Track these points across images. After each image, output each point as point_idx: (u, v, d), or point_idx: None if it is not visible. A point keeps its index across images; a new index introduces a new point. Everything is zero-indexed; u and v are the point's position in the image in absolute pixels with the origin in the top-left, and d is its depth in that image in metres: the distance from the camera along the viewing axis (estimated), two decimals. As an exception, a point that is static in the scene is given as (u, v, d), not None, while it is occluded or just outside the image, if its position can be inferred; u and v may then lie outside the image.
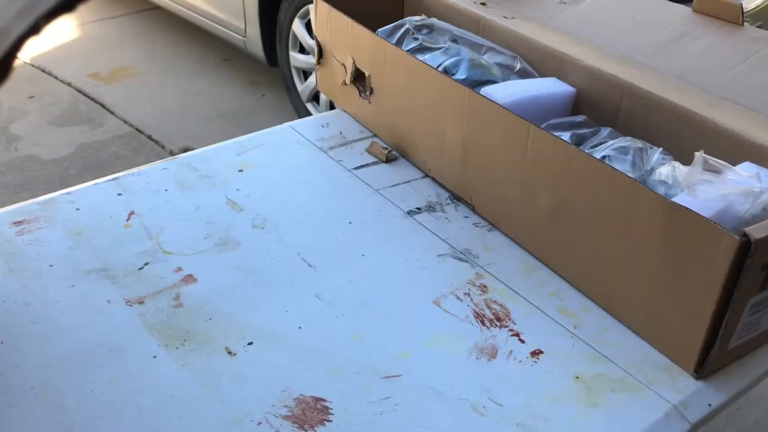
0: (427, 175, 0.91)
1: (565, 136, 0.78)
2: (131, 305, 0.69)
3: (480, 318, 0.69)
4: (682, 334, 0.63)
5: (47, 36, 3.14)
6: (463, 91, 0.80)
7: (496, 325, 0.69)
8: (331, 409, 0.59)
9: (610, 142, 0.77)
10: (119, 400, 0.59)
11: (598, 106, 0.87)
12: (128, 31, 3.31)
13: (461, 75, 0.90)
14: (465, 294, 0.72)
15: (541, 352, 0.66)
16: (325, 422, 0.58)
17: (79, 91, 2.78)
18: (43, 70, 2.92)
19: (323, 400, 0.60)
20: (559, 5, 1.04)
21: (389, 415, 0.59)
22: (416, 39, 0.96)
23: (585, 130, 0.81)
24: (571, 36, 0.96)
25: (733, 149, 0.73)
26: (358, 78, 0.98)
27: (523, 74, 0.93)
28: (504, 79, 0.90)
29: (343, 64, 0.99)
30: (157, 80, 2.83)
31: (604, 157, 0.75)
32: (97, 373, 0.62)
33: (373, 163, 0.93)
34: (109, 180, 0.87)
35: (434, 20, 1.00)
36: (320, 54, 1.05)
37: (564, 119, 0.84)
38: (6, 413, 0.57)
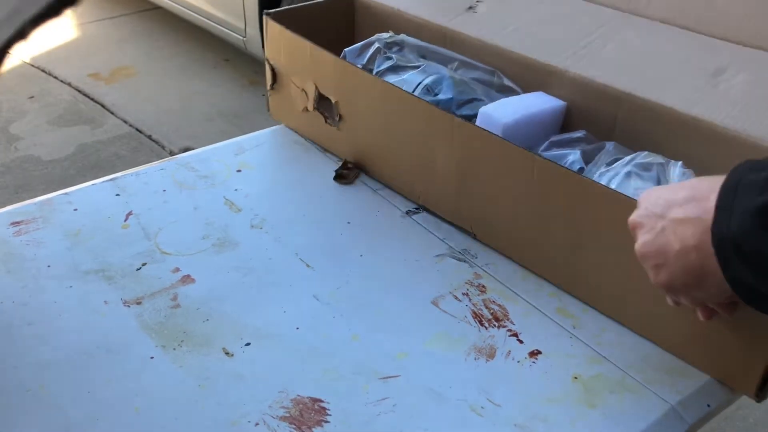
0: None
1: (575, 154, 0.75)
2: (129, 306, 0.69)
3: (478, 318, 0.69)
4: (739, 358, 0.60)
5: (47, 36, 3.14)
6: (450, 120, 0.75)
7: (495, 325, 0.69)
8: (329, 410, 0.59)
9: (627, 159, 0.72)
10: (116, 401, 0.59)
11: (592, 118, 0.81)
12: (128, 31, 3.31)
13: (445, 95, 0.84)
14: (463, 294, 0.72)
15: (540, 353, 0.66)
16: (323, 423, 0.58)
17: (79, 91, 2.78)
18: (43, 70, 2.92)
19: (321, 400, 0.60)
20: (467, 12, 0.97)
21: (387, 415, 0.59)
22: (389, 58, 0.89)
23: (589, 146, 0.77)
24: (549, 45, 0.88)
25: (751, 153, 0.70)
26: (322, 104, 0.91)
27: (504, 90, 0.87)
28: (488, 97, 0.85)
29: (304, 90, 0.91)
30: (157, 80, 2.83)
31: (628, 173, 0.70)
32: (94, 373, 0.61)
33: (372, 163, 0.93)
34: (106, 180, 0.87)
35: (404, 36, 0.94)
36: (273, 79, 0.96)
37: (564, 136, 0.79)
38: (3, 414, 0.57)
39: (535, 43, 0.88)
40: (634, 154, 0.73)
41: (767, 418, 1.56)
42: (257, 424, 0.57)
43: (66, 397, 0.59)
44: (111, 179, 0.87)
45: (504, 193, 0.74)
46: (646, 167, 0.71)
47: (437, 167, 0.80)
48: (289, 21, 0.91)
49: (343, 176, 0.89)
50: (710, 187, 0.49)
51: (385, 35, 0.93)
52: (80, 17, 3.41)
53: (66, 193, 0.84)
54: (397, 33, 0.95)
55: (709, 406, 0.62)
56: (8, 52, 0.30)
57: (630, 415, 0.60)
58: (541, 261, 0.74)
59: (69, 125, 2.55)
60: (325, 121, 0.90)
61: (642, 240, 0.55)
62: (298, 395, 0.60)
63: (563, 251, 0.71)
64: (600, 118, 0.81)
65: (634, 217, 0.56)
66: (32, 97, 2.73)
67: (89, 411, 0.58)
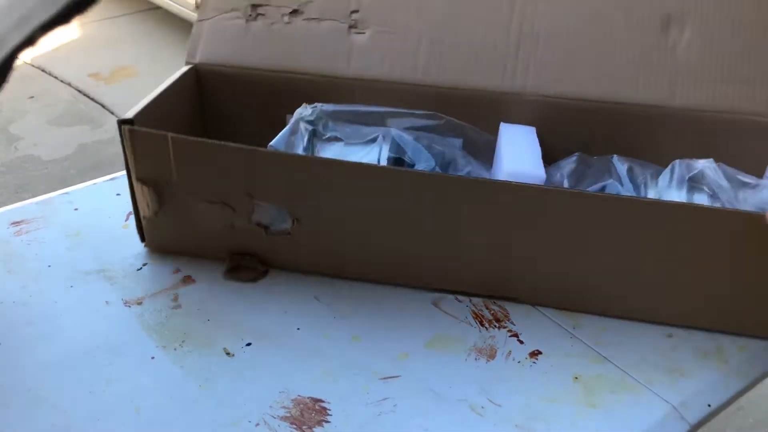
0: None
1: (613, 184, 0.72)
2: (129, 306, 0.69)
3: (479, 319, 0.69)
4: None
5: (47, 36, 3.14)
6: (458, 207, 0.65)
7: (495, 326, 0.69)
8: (330, 410, 0.59)
9: (674, 175, 0.70)
10: (117, 401, 0.59)
11: (562, 134, 0.76)
12: (128, 31, 3.31)
13: (426, 164, 0.72)
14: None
15: (540, 353, 0.66)
16: (324, 423, 0.58)
17: (79, 91, 2.78)
18: (43, 70, 2.92)
19: (321, 401, 0.60)
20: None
21: (388, 415, 0.59)
22: (336, 139, 0.73)
23: (594, 167, 0.73)
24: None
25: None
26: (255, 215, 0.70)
27: (458, 130, 0.76)
28: (462, 155, 0.74)
29: (227, 204, 0.68)
30: (157, 80, 2.83)
31: (691, 189, 0.69)
32: (95, 374, 0.61)
33: (372, 163, 0.93)
34: (107, 180, 0.87)
35: (322, 105, 0.76)
36: (159, 203, 0.70)
37: (561, 169, 0.72)
38: (3, 414, 0.57)
39: (456, 61, 0.78)
40: (671, 167, 0.71)
41: (767, 418, 1.56)
42: (258, 424, 0.57)
43: (66, 397, 0.59)
44: (111, 179, 0.87)
45: (555, 255, 0.67)
46: (695, 179, 0.70)
47: (460, 242, 0.68)
48: (153, 122, 0.69)
49: (237, 270, 0.71)
50: None
51: (306, 112, 0.75)
52: (80, 17, 3.41)
53: (66, 193, 0.84)
54: (274, 96, 0.79)
55: (709, 406, 0.62)
56: (17, 58, 0.30)
57: (631, 416, 0.60)
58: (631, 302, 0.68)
59: (69, 125, 2.55)
60: (267, 233, 0.69)
61: None
62: (299, 395, 0.60)
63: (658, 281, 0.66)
64: (570, 132, 0.76)
65: None
66: (32, 97, 2.73)
67: (90, 411, 0.58)
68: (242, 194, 0.67)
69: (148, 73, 2.92)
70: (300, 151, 0.72)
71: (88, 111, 2.64)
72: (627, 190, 0.72)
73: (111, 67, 2.97)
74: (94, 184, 0.87)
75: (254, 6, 0.81)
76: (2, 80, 0.31)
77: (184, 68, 0.80)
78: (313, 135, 0.73)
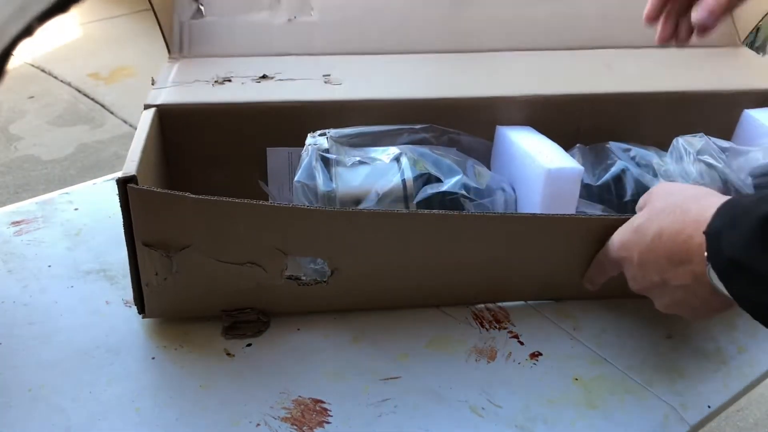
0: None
1: (621, 163, 0.73)
2: (130, 306, 0.69)
3: (479, 320, 0.69)
4: None
5: (47, 36, 3.14)
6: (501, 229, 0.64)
7: (496, 327, 0.69)
8: (330, 410, 0.59)
9: (678, 152, 0.72)
10: (118, 402, 0.59)
11: (553, 128, 0.76)
12: (128, 31, 3.31)
13: (453, 178, 0.68)
14: (464, 295, 0.72)
15: (540, 354, 0.66)
16: (324, 424, 0.58)
17: (79, 91, 2.78)
18: (43, 70, 2.92)
19: (322, 401, 0.60)
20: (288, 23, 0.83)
21: (388, 416, 0.59)
22: (355, 164, 0.68)
23: (603, 159, 0.75)
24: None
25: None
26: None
27: (456, 142, 0.75)
28: (470, 166, 0.72)
29: (256, 264, 0.63)
30: (157, 80, 2.84)
31: (698, 162, 0.70)
32: (95, 374, 0.61)
33: (373, 164, 0.93)
34: (107, 180, 0.87)
35: (329, 131, 0.71)
36: (170, 265, 0.62)
37: (570, 170, 0.68)
38: (4, 414, 0.57)
39: (433, 82, 0.79)
40: (674, 144, 0.74)
41: (767, 418, 1.56)
42: (258, 424, 0.57)
43: (67, 397, 0.59)
44: (112, 178, 0.87)
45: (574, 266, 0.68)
46: (700, 153, 0.72)
47: (499, 268, 0.68)
48: (155, 181, 0.65)
49: (236, 327, 0.66)
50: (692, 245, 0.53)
51: (318, 140, 0.69)
52: (80, 17, 3.42)
53: (66, 193, 0.85)
54: (246, 130, 0.74)
55: (709, 407, 0.62)
56: (14, 49, 0.30)
57: (631, 417, 0.60)
58: None
59: (69, 125, 2.55)
60: (299, 285, 0.65)
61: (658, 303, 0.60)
62: (300, 396, 0.60)
63: None
64: (557, 126, 0.77)
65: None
66: (32, 97, 2.73)
67: (90, 411, 0.58)
68: (274, 252, 0.62)
69: (148, 73, 2.92)
70: (320, 182, 0.65)
71: (87, 111, 2.64)
72: (637, 172, 0.73)
73: (111, 67, 2.97)
74: (94, 183, 0.87)
75: (220, 79, 0.77)
76: (1, 71, 0.31)
77: (147, 113, 0.70)
78: (326, 163, 0.67)
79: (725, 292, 0.49)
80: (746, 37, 0.93)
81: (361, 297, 0.68)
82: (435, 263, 0.66)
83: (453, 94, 0.77)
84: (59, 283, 0.71)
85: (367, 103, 0.74)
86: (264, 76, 0.77)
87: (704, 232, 0.50)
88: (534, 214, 0.67)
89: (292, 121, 0.73)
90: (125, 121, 2.58)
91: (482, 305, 0.71)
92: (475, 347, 0.66)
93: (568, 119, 0.79)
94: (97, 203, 0.83)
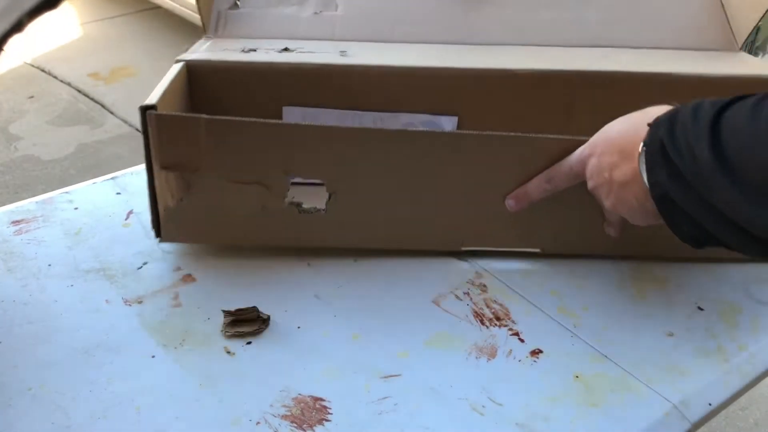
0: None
1: None
2: (130, 305, 0.69)
3: (479, 317, 0.69)
4: None
5: (47, 36, 3.14)
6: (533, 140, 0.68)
7: (496, 324, 0.69)
8: (330, 408, 0.59)
9: None
10: (117, 400, 0.59)
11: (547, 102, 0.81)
12: (128, 31, 3.31)
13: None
14: (464, 293, 0.72)
15: (541, 352, 0.66)
16: (324, 422, 0.58)
17: (79, 91, 2.78)
18: (43, 70, 2.92)
19: (322, 399, 0.60)
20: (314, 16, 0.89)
21: (388, 414, 0.59)
22: None
23: None
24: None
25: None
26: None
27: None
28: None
29: (262, 183, 0.69)
30: (157, 80, 2.83)
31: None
32: (95, 373, 0.61)
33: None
34: (107, 179, 0.87)
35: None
36: (185, 189, 0.69)
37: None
38: (3, 413, 0.57)
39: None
40: None
41: (767, 418, 1.56)
42: (258, 422, 0.57)
43: (67, 396, 0.59)
44: (111, 178, 0.87)
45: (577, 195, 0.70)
46: None
47: (489, 198, 0.73)
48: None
49: (236, 324, 0.66)
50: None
51: None
52: (80, 17, 3.42)
53: (66, 192, 0.84)
54: (268, 88, 0.80)
55: (710, 404, 0.62)
56: (5, 45, 0.30)
57: (631, 414, 0.60)
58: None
59: (69, 125, 2.55)
60: (299, 212, 0.71)
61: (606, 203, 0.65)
62: (300, 394, 0.60)
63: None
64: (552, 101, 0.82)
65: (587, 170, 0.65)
66: (32, 97, 2.73)
67: (90, 410, 0.58)
68: (279, 172, 0.68)
69: (148, 73, 2.92)
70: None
71: (87, 111, 2.65)
72: None
73: (111, 67, 2.97)
74: (94, 183, 0.87)
75: (246, 49, 0.82)
76: None
77: (176, 66, 0.78)
78: None
79: (646, 179, 0.55)
80: (746, 39, 0.93)
81: (357, 230, 0.73)
82: (428, 190, 0.71)
83: (454, 64, 0.81)
84: (59, 282, 0.71)
85: (377, 69, 0.80)
86: (286, 49, 0.82)
87: (648, 124, 0.55)
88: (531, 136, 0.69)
89: (308, 83, 0.79)
90: (125, 121, 2.58)
91: (483, 304, 0.71)
92: (476, 345, 0.66)
93: (560, 95, 0.83)
94: (97, 203, 0.83)
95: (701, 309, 0.72)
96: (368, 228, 0.73)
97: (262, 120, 0.65)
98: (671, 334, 0.68)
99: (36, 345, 0.64)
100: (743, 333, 0.69)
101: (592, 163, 0.64)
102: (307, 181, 0.69)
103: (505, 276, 0.75)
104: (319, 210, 0.71)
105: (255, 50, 0.81)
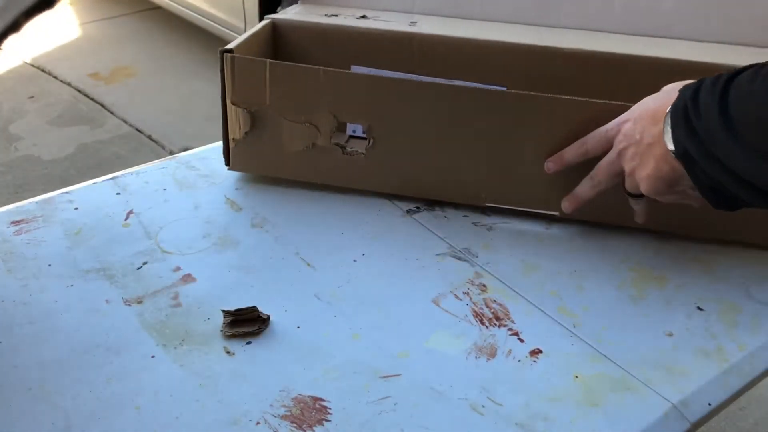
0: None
1: None
2: (129, 305, 0.69)
3: (479, 317, 0.69)
4: None
5: (47, 36, 3.14)
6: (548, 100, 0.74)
7: (496, 324, 0.69)
8: (330, 408, 0.59)
9: None
10: (117, 400, 0.59)
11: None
12: (128, 31, 3.31)
13: None
14: (464, 293, 0.72)
15: (541, 352, 0.66)
16: (324, 422, 0.58)
17: (79, 91, 2.78)
18: (43, 70, 2.92)
19: (322, 399, 0.60)
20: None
21: (388, 414, 0.59)
22: None
23: None
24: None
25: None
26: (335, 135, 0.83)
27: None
28: None
29: (312, 124, 0.81)
30: (157, 80, 2.83)
31: None
32: (95, 373, 0.61)
33: (373, 163, 0.93)
34: (107, 179, 0.87)
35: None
36: (250, 124, 0.82)
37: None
38: (3, 413, 0.57)
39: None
40: None
41: (767, 418, 1.56)
42: (258, 423, 0.57)
43: (67, 395, 0.59)
44: (111, 178, 0.87)
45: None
46: None
47: (525, 158, 0.78)
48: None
49: (236, 324, 0.67)
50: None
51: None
52: (80, 17, 3.42)
53: (66, 192, 0.84)
54: (343, 48, 0.92)
55: (710, 404, 0.62)
56: (2, 44, 0.30)
57: (631, 414, 0.60)
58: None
59: (69, 125, 2.55)
60: (343, 153, 0.82)
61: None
62: (299, 394, 0.60)
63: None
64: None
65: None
66: (32, 97, 2.73)
67: (90, 410, 0.58)
68: (327, 114, 0.79)
69: (148, 73, 2.92)
70: None
71: (88, 111, 2.65)
72: None
73: (111, 67, 2.97)
74: (94, 183, 0.87)
75: (329, 14, 0.95)
76: None
77: (264, 21, 0.92)
78: None
79: (669, 141, 0.60)
80: None
81: (392, 176, 0.83)
82: (460, 143, 0.79)
83: (510, 39, 0.89)
84: (59, 282, 0.71)
85: (436, 38, 0.90)
86: (363, 16, 0.95)
87: (679, 90, 0.60)
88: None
89: (374, 46, 0.91)
90: (125, 121, 2.58)
91: (483, 304, 0.71)
92: (476, 345, 0.66)
93: (622, 79, 0.86)
94: (97, 203, 0.83)
95: (701, 309, 0.72)
96: (402, 175, 0.83)
97: (314, 66, 0.77)
98: (671, 334, 0.68)
99: (36, 345, 0.64)
100: (743, 333, 0.69)
101: (627, 126, 0.68)
102: (354, 134, 0.83)
103: (505, 276, 0.75)
104: (359, 153, 0.81)
105: (336, 15, 0.94)
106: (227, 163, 0.86)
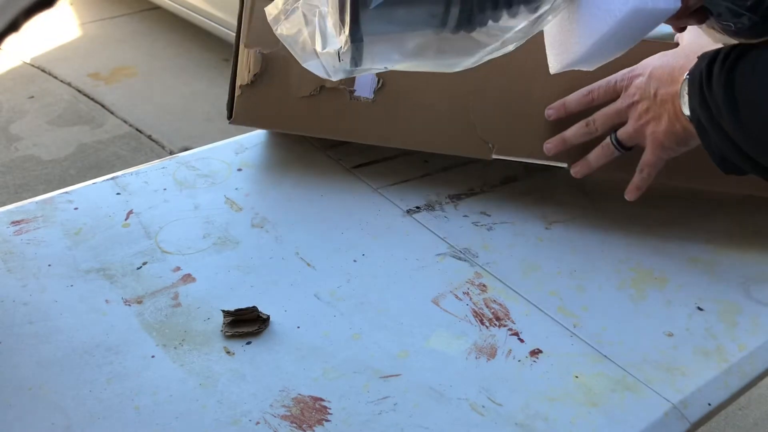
0: (426, 175, 0.89)
1: None
2: (129, 305, 0.69)
3: (479, 317, 0.69)
4: None
5: (47, 36, 3.15)
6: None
7: (496, 324, 0.69)
8: (330, 408, 0.59)
9: None
10: (117, 400, 0.59)
11: None
12: (128, 31, 3.31)
13: None
14: (464, 293, 0.72)
15: (541, 352, 0.66)
16: (324, 422, 0.58)
17: (79, 91, 2.78)
18: (43, 70, 2.92)
19: (322, 399, 0.60)
20: None
21: (388, 414, 0.59)
22: None
23: None
24: None
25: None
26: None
27: None
28: None
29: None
30: (157, 80, 2.83)
31: None
32: (95, 373, 0.61)
33: (373, 162, 0.93)
34: (107, 179, 0.87)
35: None
36: (261, 68, 0.83)
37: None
38: (4, 413, 0.57)
39: None
40: None
41: (767, 418, 1.56)
42: (258, 422, 0.57)
43: (67, 396, 0.59)
44: (111, 178, 0.87)
45: None
46: None
47: (533, 100, 0.78)
48: None
49: (236, 324, 0.67)
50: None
51: None
52: (80, 17, 3.42)
53: (66, 192, 0.84)
54: None
55: (710, 404, 0.62)
56: (1, 44, 0.30)
57: (631, 414, 0.60)
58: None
59: (69, 125, 2.55)
60: (350, 98, 0.82)
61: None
62: (299, 394, 0.60)
63: None
64: None
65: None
66: (32, 97, 2.73)
67: (90, 410, 0.58)
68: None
69: (148, 73, 2.92)
70: None
71: (88, 111, 2.65)
72: None
73: (111, 67, 2.97)
74: (94, 183, 0.87)
75: None
76: None
77: None
78: None
79: (686, 106, 0.61)
80: None
81: (400, 129, 0.82)
82: (469, 95, 0.79)
83: None
84: (59, 282, 0.71)
85: None
86: None
87: (697, 56, 0.61)
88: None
89: None
90: (125, 121, 2.58)
91: (483, 304, 0.71)
92: (476, 345, 0.66)
93: None
94: (97, 203, 0.83)
95: (701, 309, 0.72)
96: (410, 127, 0.82)
97: None
98: (671, 334, 0.68)
99: (36, 345, 0.64)
100: (743, 333, 0.69)
101: (640, 80, 0.69)
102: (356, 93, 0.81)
103: (505, 276, 0.75)
104: (368, 99, 0.81)
105: None
106: (229, 117, 0.86)
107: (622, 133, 0.72)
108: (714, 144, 0.60)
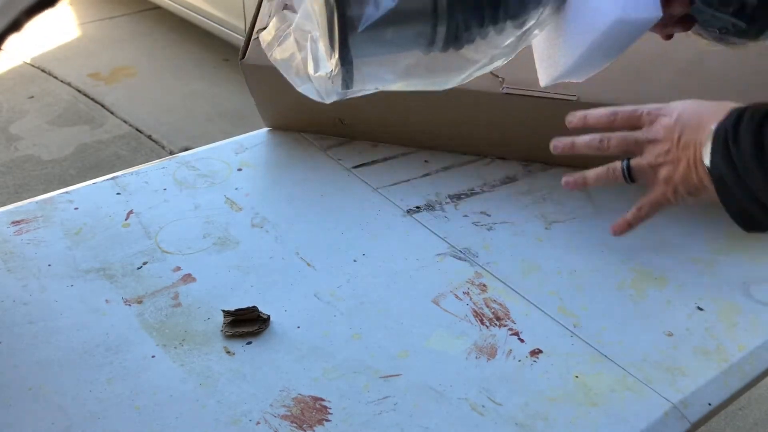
0: (426, 175, 0.89)
1: None
2: (130, 305, 0.69)
3: (479, 317, 0.69)
4: None
5: (47, 36, 3.14)
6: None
7: (496, 324, 0.69)
8: (330, 408, 0.59)
9: None
10: (117, 400, 0.59)
11: None
12: (128, 31, 3.31)
13: None
14: (464, 293, 0.72)
15: (541, 352, 0.66)
16: (324, 422, 0.58)
17: (79, 91, 2.78)
18: (43, 70, 2.92)
19: (322, 399, 0.60)
20: None
21: (388, 414, 0.59)
22: None
23: None
24: None
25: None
26: None
27: None
28: None
29: None
30: (157, 80, 2.83)
31: None
32: (95, 373, 0.61)
33: (373, 162, 0.93)
34: (107, 179, 0.87)
35: None
36: (282, 5, 0.89)
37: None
38: (4, 413, 0.57)
39: None
40: None
41: (767, 418, 1.56)
42: (258, 422, 0.57)
43: (67, 395, 0.59)
44: (111, 178, 0.87)
45: None
46: None
47: None
48: None
49: (237, 324, 0.67)
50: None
51: None
52: (80, 17, 3.42)
53: (66, 192, 0.84)
54: None
55: (710, 404, 0.62)
56: (3, 44, 0.30)
57: (631, 414, 0.60)
58: None
59: (69, 125, 2.55)
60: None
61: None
62: (299, 394, 0.60)
63: None
64: None
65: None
66: (32, 97, 2.73)
67: (90, 409, 0.58)
68: None
69: (148, 73, 2.92)
70: None
71: (88, 111, 2.64)
72: None
73: (111, 67, 2.97)
74: (94, 183, 0.87)
75: None
76: None
77: None
78: None
79: (707, 158, 0.60)
80: None
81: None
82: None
83: None
84: (59, 282, 0.71)
85: None
86: None
87: (729, 109, 0.59)
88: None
89: None
90: (125, 121, 2.57)
91: (483, 304, 0.71)
92: (476, 345, 0.66)
93: None
94: (97, 203, 0.83)
95: (701, 309, 0.72)
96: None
97: None
98: (671, 334, 0.68)
99: (36, 345, 0.64)
100: (743, 333, 0.69)
101: (667, 120, 0.68)
102: None
103: (505, 276, 0.75)
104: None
105: None
106: (242, 57, 0.89)
107: (635, 163, 0.70)
108: (735, 202, 0.59)
